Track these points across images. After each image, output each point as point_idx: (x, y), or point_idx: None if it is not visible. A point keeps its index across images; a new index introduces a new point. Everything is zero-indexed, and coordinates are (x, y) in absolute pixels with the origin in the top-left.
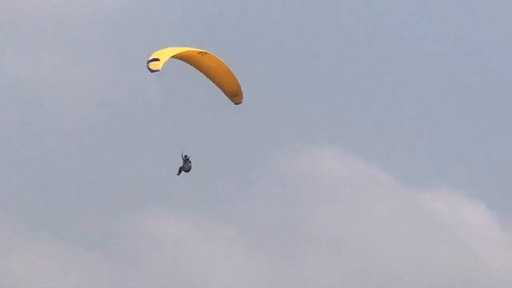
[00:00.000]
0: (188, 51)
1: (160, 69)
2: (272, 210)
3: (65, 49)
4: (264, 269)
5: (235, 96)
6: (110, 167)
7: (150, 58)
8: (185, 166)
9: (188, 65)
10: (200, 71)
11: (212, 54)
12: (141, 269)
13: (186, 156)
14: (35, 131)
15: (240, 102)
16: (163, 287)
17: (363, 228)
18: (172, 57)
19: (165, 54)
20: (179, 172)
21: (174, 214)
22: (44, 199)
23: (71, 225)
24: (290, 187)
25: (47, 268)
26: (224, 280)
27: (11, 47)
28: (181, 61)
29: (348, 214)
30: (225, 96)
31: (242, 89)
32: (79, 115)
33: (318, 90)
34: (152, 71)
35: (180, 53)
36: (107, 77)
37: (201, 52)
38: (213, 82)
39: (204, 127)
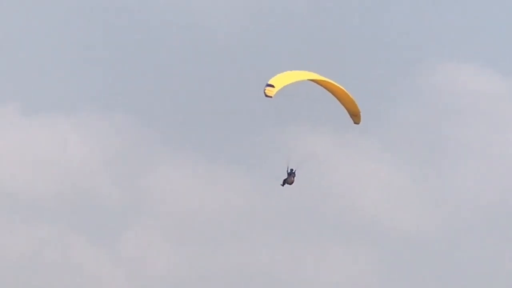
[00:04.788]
0: (307, 79)
1: (273, 96)
2: (414, 124)
3: None
4: (409, 182)
5: (355, 116)
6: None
7: (269, 82)
8: (288, 180)
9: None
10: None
11: (332, 81)
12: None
13: (292, 170)
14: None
15: (358, 123)
16: (311, 201)
17: (506, 143)
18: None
19: (282, 81)
20: (283, 183)
21: (315, 132)
22: (188, 117)
23: (213, 141)
24: (431, 102)
25: (190, 183)
26: (371, 193)
27: None
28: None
29: (491, 129)
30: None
31: None
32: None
33: (455, 5)
34: (266, 96)
35: (299, 80)
36: None
37: (320, 79)
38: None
39: None
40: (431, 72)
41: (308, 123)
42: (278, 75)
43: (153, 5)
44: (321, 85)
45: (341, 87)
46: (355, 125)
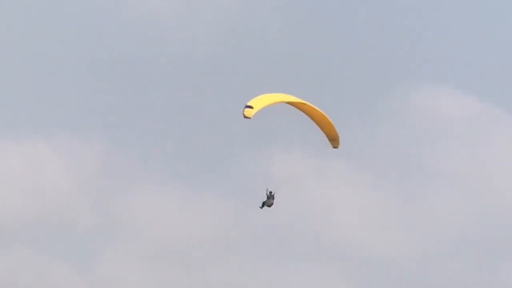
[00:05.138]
0: (286, 101)
1: (251, 117)
2: (390, 147)
3: None
4: (385, 205)
5: (333, 140)
6: (229, 108)
7: (247, 104)
8: (267, 202)
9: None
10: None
11: (310, 104)
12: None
13: (271, 193)
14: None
15: (337, 147)
16: (286, 226)
17: (483, 166)
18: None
19: (261, 102)
20: (262, 205)
21: (293, 154)
22: (164, 140)
23: (190, 164)
24: (406, 125)
25: (167, 207)
26: (345, 217)
27: None
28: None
29: (467, 152)
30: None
31: None
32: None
33: (430, 28)
34: (245, 117)
35: (278, 101)
36: None
37: (299, 102)
38: (315, 123)
39: None
40: (407, 94)
41: (286, 146)
42: (257, 97)
43: (128, 29)
44: (301, 109)
45: (320, 111)
46: (329, 147)
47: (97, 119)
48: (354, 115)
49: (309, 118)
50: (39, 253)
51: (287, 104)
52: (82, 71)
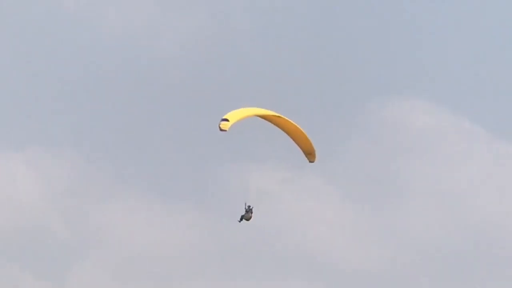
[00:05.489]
0: (262, 114)
1: (227, 129)
2: (362, 161)
3: None
4: (356, 221)
5: (309, 154)
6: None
7: (223, 117)
8: (246, 216)
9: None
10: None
11: (286, 118)
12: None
13: (249, 207)
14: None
15: (313, 161)
16: (259, 240)
17: (454, 180)
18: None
19: (237, 115)
20: (241, 219)
21: (264, 168)
22: (139, 153)
23: (165, 177)
24: (378, 139)
25: (141, 220)
26: (317, 232)
27: None
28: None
29: (438, 166)
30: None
31: None
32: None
33: (403, 42)
34: (220, 130)
35: (254, 115)
36: None
37: (275, 115)
38: (291, 138)
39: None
40: (379, 108)
41: (263, 160)
42: (234, 110)
43: (100, 46)
44: (277, 123)
45: (297, 125)
46: (304, 161)
47: (69, 134)
48: (325, 129)
49: (286, 133)
50: (11, 267)
51: (263, 118)
52: (54, 85)
